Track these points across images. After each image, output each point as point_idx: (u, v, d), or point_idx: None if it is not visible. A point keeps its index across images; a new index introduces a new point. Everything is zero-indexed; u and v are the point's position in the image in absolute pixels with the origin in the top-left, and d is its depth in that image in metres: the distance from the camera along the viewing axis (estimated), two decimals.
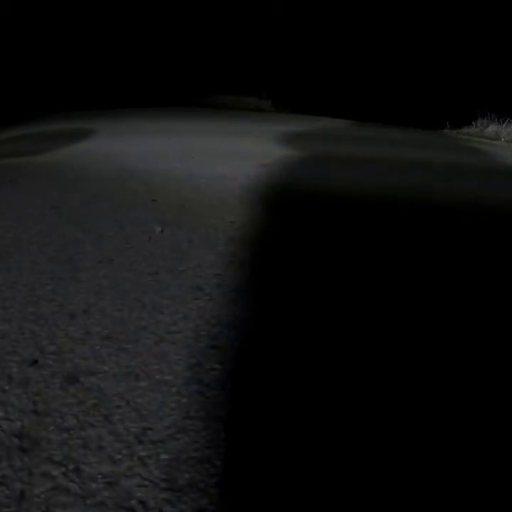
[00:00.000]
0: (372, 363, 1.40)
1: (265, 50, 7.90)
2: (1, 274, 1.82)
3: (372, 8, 7.49)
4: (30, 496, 0.94)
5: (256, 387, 1.27)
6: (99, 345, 1.41)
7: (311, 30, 7.69)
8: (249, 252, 2.13)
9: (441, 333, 1.57)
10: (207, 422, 1.14)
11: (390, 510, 0.96)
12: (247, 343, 1.46)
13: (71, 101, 6.53)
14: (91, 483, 0.97)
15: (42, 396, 1.20)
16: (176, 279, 1.84)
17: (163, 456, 1.04)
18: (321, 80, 7.68)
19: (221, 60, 7.91)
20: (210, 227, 2.38)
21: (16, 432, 1.09)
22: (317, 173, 3.55)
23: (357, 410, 1.21)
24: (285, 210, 2.76)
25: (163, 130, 5.12)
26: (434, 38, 7.38)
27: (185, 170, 3.40)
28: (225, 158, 3.86)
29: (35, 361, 1.33)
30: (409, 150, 4.91)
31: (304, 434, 1.12)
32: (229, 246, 2.17)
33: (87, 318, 1.54)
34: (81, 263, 1.93)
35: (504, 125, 6.51)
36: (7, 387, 1.22)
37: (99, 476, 0.99)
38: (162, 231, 2.29)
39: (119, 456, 1.03)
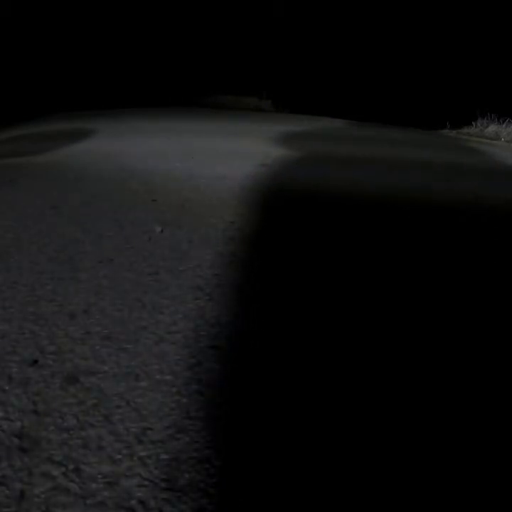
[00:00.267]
0: (372, 362, 1.40)
1: (265, 50, 7.89)
2: (1, 274, 1.82)
3: (372, 8, 7.49)
4: (30, 496, 0.94)
5: (256, 387, 1.27)
6: (99, 345, 1.41)
7: (311, 30, 7.69)
8: (249, 252, 2.13)
9: (441, 332, 1.57)
10: (207, 422, 1.14)
11: (390, 510, 0.96)
12: (247, 343, 1.46)
13: (71, 101, 6.53)
14: (91, 483, 0.97)
15: (42, 396, 1.20)
16: (176, 279, 1.84)
17: (163, 456, 1.04)
18: (320, 80, 7.68)
19: (221, 60, 7.91)
20: (210, 227, 2.38)
21: (16, 432, 1.09)
22: (317, 173, 3.55)
23: (356, 409, 1.21)
24: (285, 209, 2.76)
25: (163, 130, 5.12)
26: (434, 38, 7.38)
27: (185, 170, 3.40)
28: (225, 158, 3.86)
29: (35, 361, 1.33)
30: (409, 150, 4.91)
31: (303, 434, 1.12)
32: (229, 246, 2.17)
33: (87, 318, 1.54)
34: (81, 263, 1.93)
35: (504, 125, 6.51)
36: (7, 387, 1.22)
37: (99, 476, 0.99)
38: (162, 231, 2.29)
39: (119, 456, 1.03)
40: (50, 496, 0.94)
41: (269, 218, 2.58)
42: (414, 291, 1.85)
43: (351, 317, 1.64)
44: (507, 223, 2.78)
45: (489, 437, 1.15)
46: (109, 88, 7.09)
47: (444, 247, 2.33)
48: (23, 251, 2.03)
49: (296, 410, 1.19)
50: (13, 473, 0.98)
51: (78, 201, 2.68)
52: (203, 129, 5.38)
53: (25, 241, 2.13)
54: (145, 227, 2.33)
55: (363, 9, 7.51)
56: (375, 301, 1.76)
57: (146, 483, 0.98)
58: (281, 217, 2.63)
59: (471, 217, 2.82)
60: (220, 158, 3.85)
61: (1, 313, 1.55)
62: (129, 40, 7.61)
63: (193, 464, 1.03)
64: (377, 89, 7.39)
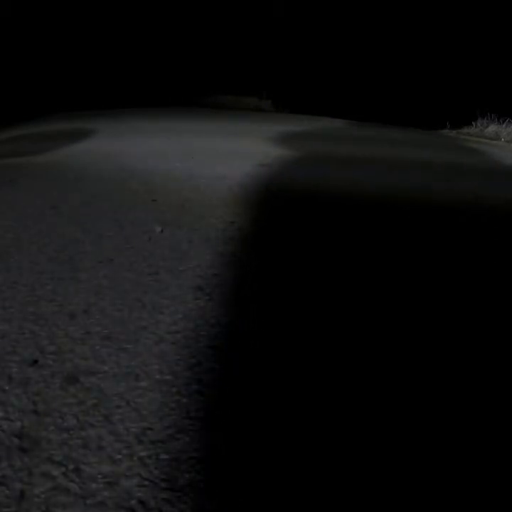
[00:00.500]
0: (372, 361, 1.40)
1: (265, 50, 7.89)
2: (1, 274, 1.82)
3: (372, 8, 7.49)
4: (30, 496, 0.94)
5: (256, 387, 1.27)
6: (99, 345, 1.41)
7: (311, 30, 7.69)
8: (249, 252, 2.13)
9: (440, 332, 1.57)
10: (207, 422, 1.14)
11: (390, 509, 0.96)
12: (247, 343, 1.46)
13: (71, 101, 6.53)
14: (91, 483, 0.97)
15: (42, 396, 1.20)
16: (176, 279, 1.84)
17: (163, 456, 1.04)
18: (320, 80, 7.68)
19: (221, 60, 7.91)
20: (210, 227, 2.38)
21: (16, 432, 1.09)
22: (317, 173, 3.55)
23: (356, 410, 1.21)
24: (285, 209, 2.76)
25: (163, 130, 5.12)
26: (434, 38, 7.38)
27: (185, 170, 3.40)
28: (225, 158, 3.86)
29: (35, 361, 1.33)
30: (409, 150, 4.91)
31: (303, 434, 1.12)
32: (229, 246, 2.17)
33: (87, 318, 1.54)
34: (81, 263, 1.93)
35: (504, 125, 6.51)
36: (7, 387, 1.22)
37: (99, 476, 0.99)
38: (162, 231, 2.29)
39: (119, 456, 1.03)
40: (50, 496, 0.94)
41: (269, 218, 2.58)
42: (414, 291, 1.85)
43: (351, 317, 1.64)
44: (507, 223, 2.78)
45: (489, 436, 1.15)
46: (109, 88, 7.08)
47: (444, 246, 2.33)
48: (23, 251, 2.03)
49: (296, 410, 1.19)
50: (13, 473, 0.98)
51: (78, 201, 2.68)
52: (203, 129, 5.38)
53: (25, 241, 2.13)
54: (145, 227, 2.33)
55: (363, 9, 7.51)
56: (375, 300, 1.76)
57: (146, 483, 0.98)
58: (281, 217, 2.63)
59: (471, 217, 2.82)
60: (220, 158, 3.85)
61: (1, 313, 1.55)
62: (128, 40, 7.61)
63: (193, 464, 1.03)
64: (377, 89, 7.39)
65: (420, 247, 2.32)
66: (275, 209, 2.74)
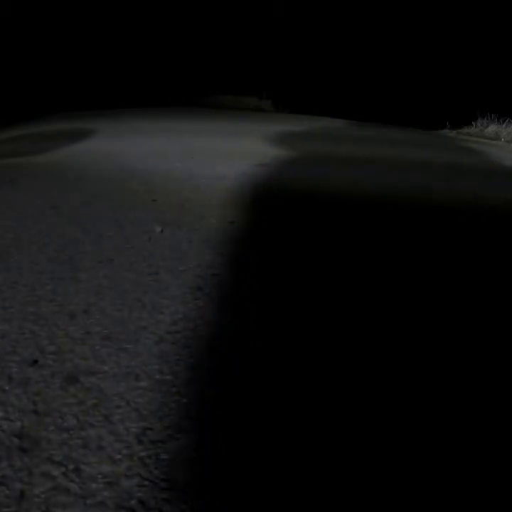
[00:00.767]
0: (372, 361, 1.40)
1: (265, 50, 7.89)
2: (1, 274, 1.82)
3: (372, 8, 7.49)
4: (30, 496, 0.94)
5: (256, 387, 1.27)
6: (99, 345, 1.41)
7: (310, 30, 7.69)
8: (249, 252, 2.13)
9: (440, 331, 1.57)
10: (207, 422, 1.14)
11: (390, 509, 0.96)
12: (247, 343, 1.46)
13: (71, 101, 6.53)
14: (91, 483, 0.97)
15: (42, 396, 1.20)
16: (176, 279, 1.84)
17: (163, 456, 1.04)
18: (320, 80, 7.68)
19: (221, 60, 7.91)
20: (210, 227, 2.38)
21: (16, 432, 1.09)
22: (317, 173, 3.55)
23: (356, 410, 1.21)
24: (285, 209, 2.76)
25: (163, 130, 5.12)
26: (433, 38, 7.38)
27: (185, 170, 3.40)
28: (225, 158, 3.86)
29: (35, 361, 1.33)
30: (409, 150, 4.91)
31: (304, 434, 1.12)
32: (229, 246, 2.17)
33: (87, 318, 1.54)
34: (81, 263, 1.93)
35: (504, 125, 6.52)
36: (7, 387, 1.22)
37: (99, 476, 0.99)
38: (162, 231, 2.29)
39: (119, 456, 1.03)
40: (50, 496, 0.94)
41: (269, 218, 2.58)
42: (414, 291, 1.85)
43: (352, 317, 1.64)
44: (507, 223, 2.78)
45: (489, 436, 1.15)
46: (109, 88, 7.08)
47: (444, 246, 2.33)
48: (23, 251, 2.03)
49: (297, 410, 1.19)
50: (13, 473, 0.98)
51: (78, 201, 2.68)
52: (203, 129, 5.38)
53: (25, 241, 2.13)
54: (145, 227, 2.33)
55: (363, 9, 7.51)
56: (375, 299, 1.76)
57: (146, 483, 0.98)
58: (282, 217, 2.63)
59: (471, 217, 2.82)
60: (220, 158, 3.85)
61: (1, 313, 1.55)
62: (128, 40, 7.61)
63: (193, 464, 1.03)
64: (377, 89, 7.39)
65: (420, 246, 2.32)
66: (275, 209, 2.74)
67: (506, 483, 1.03)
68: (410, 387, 1.31)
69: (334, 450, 1.08)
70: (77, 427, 1.10)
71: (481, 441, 1.14)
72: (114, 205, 2.62)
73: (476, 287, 1.92)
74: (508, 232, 2.63)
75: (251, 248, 2.17)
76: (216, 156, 3.91)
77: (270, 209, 2.73)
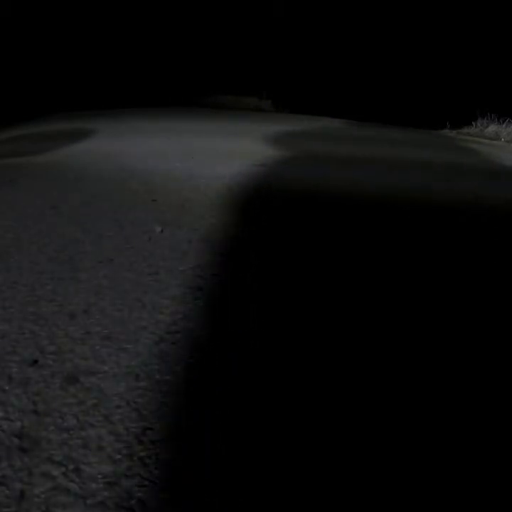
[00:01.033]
0: (372, 359, 1.40)
1: (265, 50, 7.89)
2: (1, 274, 1.82)
3: (372, 8, 7.49)
4: (30, 495, 0.94)
5: (257, 387, 1.27)
6: (99, 345, 1.41)
7: (310, 30, 7.69)
8: (249, 251, 2.13)
9: (440, 331, 1.57)
10: (207, 422, 1.14)
11: (390, 509, 0.96)
12: (247, 343, 1.46)
13: (71, 101, 6.53)
14: (91, 483, 0.97)
15: (42, 396, 1.20)
16: (176, 279, 1.84)
17: (163, 456, 1.04)
18: (320, 80, 7.68)
19: (221, 60, 7.91)
20: (210, 227, 2.38)
21: (16, 432, 1.09)
22: (317, 173, 3.55)
23: (356, 411, 1.21)
24: (285, 209, 2.75)
25: (163, 130, 5.12)
26: (433, 38, 7.38)
27: (185, 170, 3.40)
28: (225, 158, 3.86)
29: (35, 361, 1.33)
30: (409, 150, 4.91)
31: (304, 434, 1.12)
32: (229, 246, 2.17)
33: (87, 318, 1.54)
34: (81, 263, 1.93)
35: (504, 125, 6.52)
36: (7, 387, 1.22)
37: (99, 476, 0.99)
38: (162, 231, 2.29)
39: (119, 456, 1.03)
40: (50, 496, 0.94)
41: (270, 218, 2.58)
42: (414, 291, 1.85)
43: (352, 317, 1.64)
44: (507, 223, 2.78)
45: (489, 436, 1.15)
46: (109, 88, 7.08)
47: (444, 246, 2.33)
48: (23, 251, 2.03)
49: (297, 410, 1.19)
50: (13, 473, 0.98)
51: (78, 201, 2.68)
52: (203, 129, 5.38)
53: (25, 241, 2.13)
54: (145, 227, 2.33)
55: (363, 9, 7.51)
56: (375, 299, 1.76)
57: (146, 483, 0.98)
58: (282, 216, 2.63)
59: (471, 217, 2.82)
60: (220, 158, 3.85)
61: (1, 313, 1.55)
62: (128, 40, 7.61)
63: (193, 464, 1.03)
64: (377, 89, 7.39)
65: (420, 246, 2.32)
66: (275, 209, 2.74)
67: (506, 482, 1.03)
68: (410, 386, 1.31)
69: (334, 449, 1.08)
70: (77, 427, 1.10)
71: (481, 440, 1.14)
72: (114, 205, 2.62)
73: (476, 287, 1.92)
74: (508, 232, 2.63)
75: (251, 248, 2.17)
76: (216, 156, 3.91)
77: (270, 209, 2.73)
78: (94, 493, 0.95)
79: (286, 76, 7.89)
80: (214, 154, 3.99)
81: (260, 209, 2.70)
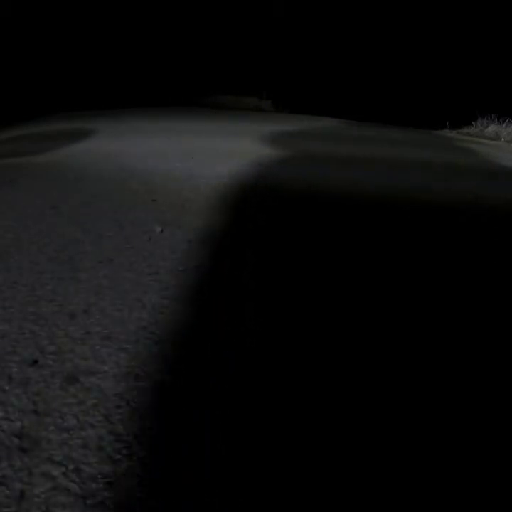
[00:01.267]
0: (372, 358, 1.40)
1: (265, 50, 7.90)
2: (1, 274, 1.82)
3: (372, 8, 7.49)
4: (30, 495, 0.94)
5: (257, 387, 1.27)
6: (99, 345, 1.41)
7: (310, 31, 7.69)
8: (249, 251, 2.13)
9: (440, 331, 1.57)
10: (207, 422, 1.14)
11: (389, 509, 0.96)
12: (248, 343, 1.46)
13: (71, 101, 6.53)
14: (91, 483, 0.97)
15: (42, 396, 1.20)
16: (176, 278, 1.84)
17: (163, 456, 1.04)
18: (321, 80, 7.68)
19: (221, 60, 7.91)
20: (210, 227, 2.38)
21: (16, 432, 1.09)
22: (317, 173, 3.55)
23: (356, 411, 1.21)
24: (285, 209, 2.76)
25: (163, 130, 5.12)
26: (433, 38, 7.38)
27: (185, 170, 3.40)
28: (225, 158, 3.86)
29: (35, 361, 1.33)
30: (409, 150, 4.91)
31: (305, 435, 1.12)
32: (229, 246, 2.17)
33: (87, 318, 1.54)
34: (81, 263, 1.93)
35: (504, 125, 6.52)
36: (7, 387, 1.22)
37: (99, 476, 0.99)
38: (162, 231, 2.29)
39: (119, 456, 1.03)
40: (50, 496, 0.94)
41: (270, 218, 2.58)
42: (414, 291, 1.85)
43: (352, 317, 1.64)
44: (507, 223, 2.78)
45: (489, 437, 1.15)
46: (109, 88, 7.08)
47: (444, 246, 2.33)
48: (23, 251, 2.03)
49: (298, 409, 1.19)
50: (13, 473, 0.98)
51: (78, 201, 2.68)
52: (203, 129, 5.38)
53: (25, 241, 2.13)
54: (145, 227, 2.33)
55: (363, 9, 7.51)
56: (375, 299, 1.76)
57: (146, 483, 0.98)
58: (282, 216, 2.63)
59: (471, 217, 2.82)
60: (220, 158, 3.85)
61: (1, 313, 1.55)
62: (128, 40, 7.61)
63: (193, 465, 1.03)
64: (377, 89, 7.39)
65: (420, 246, 2.32)
66: (275, 208, 2.74)
67: (505, 482, 1.03)
68: (409, 386, 1.31)
69: (333, 449, 1.08)
70: (77, 427, 1.10)
71: (480, 439, 1.14)
72: (114, 205, 2.62)
73: (476, 286, 1.92)
74: (508, 232, 2.63)
75: (251, 248, 2.17)
76: (216, 156, 3.91)
77: (270, 208, 2.73)
78: (94, 493, 0.95)
79: (286, 76, 7.89)
80: (214, 154, 3.99)
81: (261, 209, 2.70)
